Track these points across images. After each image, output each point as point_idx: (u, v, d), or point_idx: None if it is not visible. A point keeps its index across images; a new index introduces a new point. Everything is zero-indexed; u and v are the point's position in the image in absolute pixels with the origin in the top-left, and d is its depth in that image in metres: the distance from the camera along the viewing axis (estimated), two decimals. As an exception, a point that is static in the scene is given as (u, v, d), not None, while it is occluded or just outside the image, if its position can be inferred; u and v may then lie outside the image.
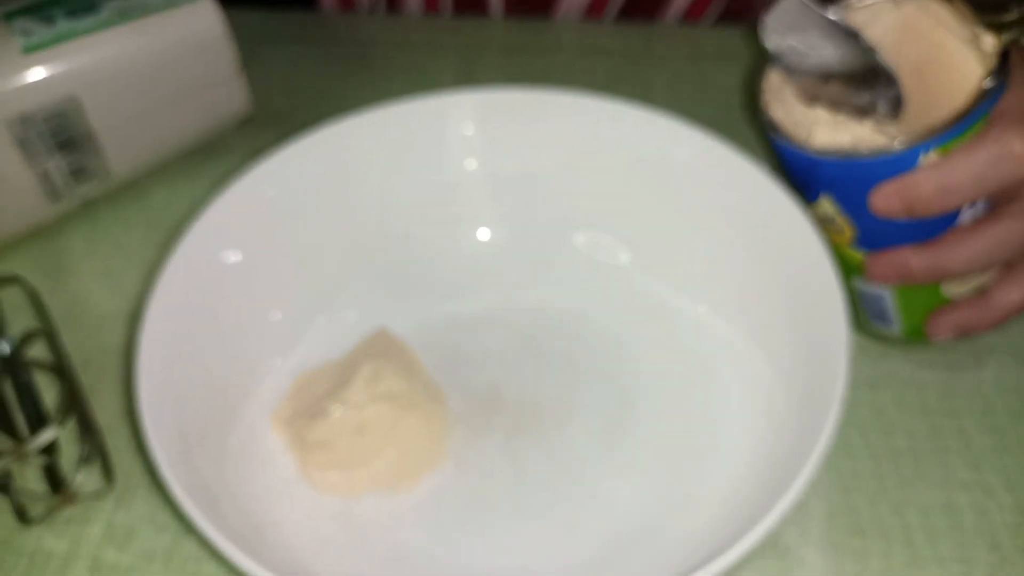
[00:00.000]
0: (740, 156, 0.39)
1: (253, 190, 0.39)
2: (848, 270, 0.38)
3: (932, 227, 0.36)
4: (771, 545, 0.36)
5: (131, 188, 0.49)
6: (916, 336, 0.40)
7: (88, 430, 0.37)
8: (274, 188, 0.40)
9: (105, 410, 0.40)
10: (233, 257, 0.39)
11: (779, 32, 0.36)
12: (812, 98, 0.36)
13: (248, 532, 0.32)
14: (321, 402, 0.37)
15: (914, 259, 0.36)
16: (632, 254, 0.43)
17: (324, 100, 0.44)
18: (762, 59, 0.37)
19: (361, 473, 0.36)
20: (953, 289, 0.38)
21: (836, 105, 0.36)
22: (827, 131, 0.35)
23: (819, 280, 0.35)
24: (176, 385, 0.34)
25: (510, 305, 0.42)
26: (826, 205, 0.37)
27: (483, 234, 0.44)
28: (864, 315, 0.41)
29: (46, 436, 0.35)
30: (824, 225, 0.37)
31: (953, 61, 0.35)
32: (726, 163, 0.39)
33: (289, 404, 0.39)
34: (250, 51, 0.49)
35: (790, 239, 0.37)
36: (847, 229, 0.37)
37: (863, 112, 0.35)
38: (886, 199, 0.34)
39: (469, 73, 0.55)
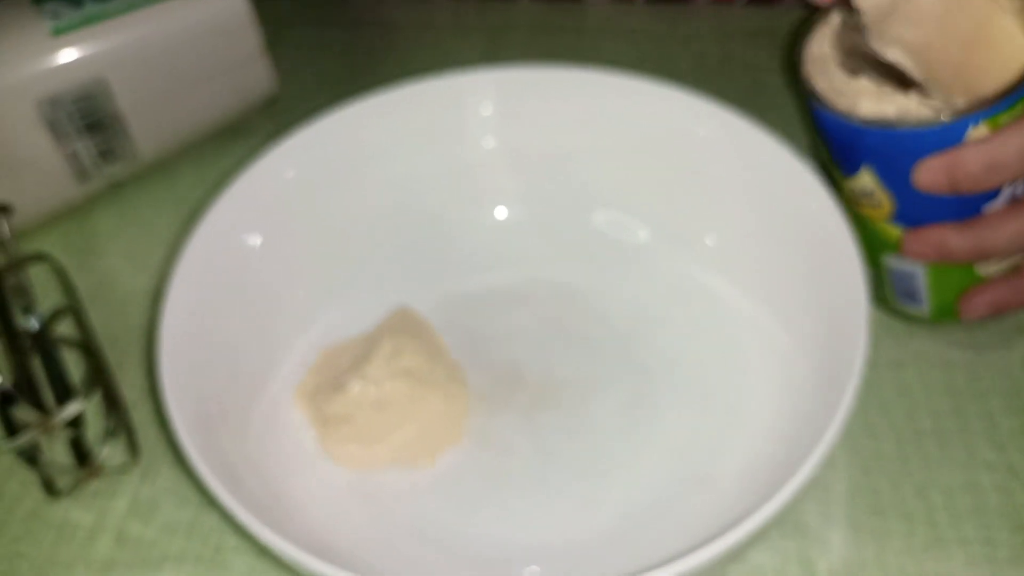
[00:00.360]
0: (759, 130, 0.39)
1: (272, 171, 0.39)
2: (881, 246, 0.37)
3: (971, 203, 0.35)
4: (792, 525, 0.35)
5: (158, 169, 0.49)
6: (943, 316, 0.39)
7: (114, 405, 0.38)
8: (294, 168, 0.40)
9: (131, 387, 0.40)
10: (254, 237, 0.39)
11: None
12: (856, 68, 0.35)
13: (269, 505, 0.32)
14: (342, 377, 0.38)
15: (954, 239, 0.35)
16: (651, 231, 0.43)
17: (349, 82, 0.45)
18: (801, 31, 0.37)
19: (380, 447, 0.37)
20: (987, 268, 0.37)
21: (882, 75, 0.35)
22: (871, 101, 0.34)
23: (840, 255, 0.34)
24: (198, 362, 0.35)
25: (529, 283, 0.42)
26: (866, 178, 0.36)
27: (501, 212, 0.44)
28: (892, 293, 0.40)
29: (72, 409, 0.36)
30: (861, 199, 0.36)
31: (1001, 33, 0.35)
32: (745, 138, 0.39)
33: (312, 379, 0.39)
34: (275, 33, 0.49)
35: (811, 214, 0.36)
36: (886, 203, 0.36)
37: (910, 82, 0.35)
38: (932, 174, 0.34)
39: (494, 55, 0.55)
